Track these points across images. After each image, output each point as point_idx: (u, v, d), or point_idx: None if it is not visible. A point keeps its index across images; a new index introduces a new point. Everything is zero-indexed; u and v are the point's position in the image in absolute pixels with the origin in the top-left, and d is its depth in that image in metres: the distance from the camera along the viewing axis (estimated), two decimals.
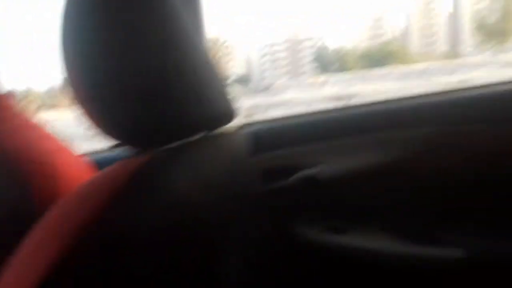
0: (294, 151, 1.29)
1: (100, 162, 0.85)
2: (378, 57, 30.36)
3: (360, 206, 1.27)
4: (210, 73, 0.69)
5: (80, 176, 0.68)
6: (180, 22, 0.61)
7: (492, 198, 1.23)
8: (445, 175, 1.23)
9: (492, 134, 1.25)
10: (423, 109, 1.30)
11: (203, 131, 0.70)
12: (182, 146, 0.63)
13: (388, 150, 1.27)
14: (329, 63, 32.71)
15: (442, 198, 1.25)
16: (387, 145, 1.27)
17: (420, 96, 1.35)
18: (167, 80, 0.56)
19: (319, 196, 1.26)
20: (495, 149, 1.24)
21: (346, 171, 1.26)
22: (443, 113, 1.28)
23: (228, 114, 0.75)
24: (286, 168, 1.27)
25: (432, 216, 1.25)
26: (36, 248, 0.42)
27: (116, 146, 0.58)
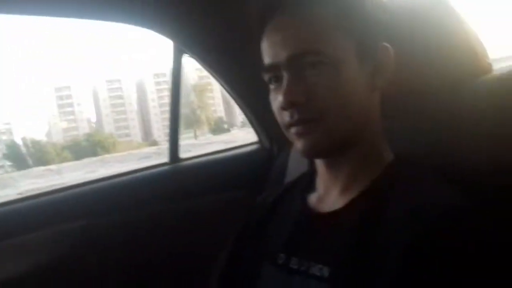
0: None
1: None
2: (85, 147, 29.66)
3: None
4: None
5: None
6: None
7: None
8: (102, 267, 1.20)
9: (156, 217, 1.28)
10: (77, 200, 1.27)
11: None
12: None
13: (37, 250, 1.15)
14: (24, 157, 29.63)
15: None
16: (32, 246, 1.15)
17: (67, 188, 1.30)
18: None
19: None
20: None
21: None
22: (94, 203, 1.27)
23: None
24: None
25: None
26: None
27: None
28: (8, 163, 29.15)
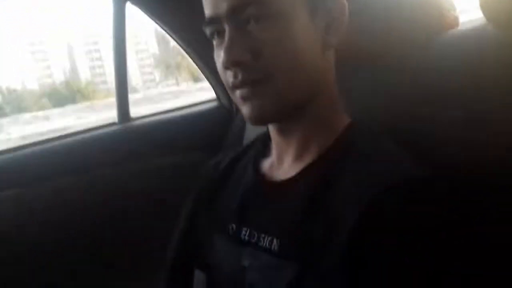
0: None
1: None
2: (64, 95, 29.05)
3: None
4: None
5: None
6: None
7: None
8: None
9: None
10: (17, 164, 1.17)
11: None
12: None
13: None
14: (1, 105, 28.94)
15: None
16: None
17: (6, 151, 1.19)
18: None
19: None
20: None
21: None
22: (36, 167, 1.17)
23: None
24: None
25: None
26: None
27: None
28: None
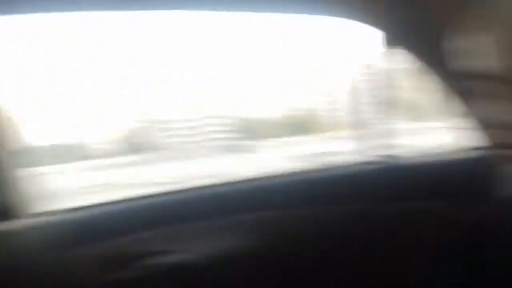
0: (133, 238, 1.15)
1: None
2: (296, 126, 31.41)
3: None
4: None
5: None
6: None
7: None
8: (291, 259, 1.19)
9: (340, 215, 1.21)
10: (272, 191, 1.26)
11: None
12: None
13: (240, 234, 1.19)
14: (252, 131, 32.97)
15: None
16: (239, 228, 1.20)
17: (269, 177, 1.30)
18: None
19: (186, 283, 1.16)
20: (342, 230, 1.21)
21: (207, 257, 1.17)
22: (291, 195, 1.24)
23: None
24: (128, 257, 1.13)
25: None
26: None
27: None
28: (239, 135, 32.85)
